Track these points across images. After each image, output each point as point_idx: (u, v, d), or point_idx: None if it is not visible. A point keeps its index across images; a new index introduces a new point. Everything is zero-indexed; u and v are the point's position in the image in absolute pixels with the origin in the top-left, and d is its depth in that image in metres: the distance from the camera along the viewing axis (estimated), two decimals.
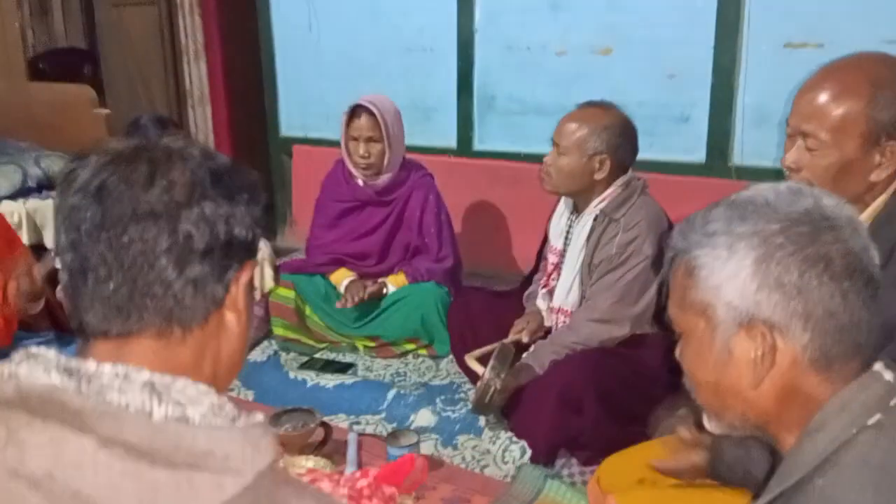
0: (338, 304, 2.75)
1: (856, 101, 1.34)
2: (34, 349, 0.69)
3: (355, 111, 2.74)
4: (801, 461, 0.83)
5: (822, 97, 1.38)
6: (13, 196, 3.10)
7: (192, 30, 3.90)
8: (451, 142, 3.58)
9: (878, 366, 0.87)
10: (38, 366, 0.66)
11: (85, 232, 0.69)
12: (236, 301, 0.75)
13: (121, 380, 0.66)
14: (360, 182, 2.86)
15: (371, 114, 2.70)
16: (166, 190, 0.69)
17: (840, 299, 0.82)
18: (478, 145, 3.54)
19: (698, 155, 3.12)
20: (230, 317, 0.75)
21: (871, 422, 0.82)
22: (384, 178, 2.83)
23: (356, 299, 2.69)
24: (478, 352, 2.26)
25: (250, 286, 0.77)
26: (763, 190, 0.90)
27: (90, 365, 0.67)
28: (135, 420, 0.63)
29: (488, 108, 3.48)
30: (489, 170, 3.47)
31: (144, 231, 0.68)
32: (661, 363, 2.19)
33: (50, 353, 0.68)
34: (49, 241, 3.15)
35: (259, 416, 0.70)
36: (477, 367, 2.19)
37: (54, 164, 3.38)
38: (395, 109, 2.79)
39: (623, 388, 2.09)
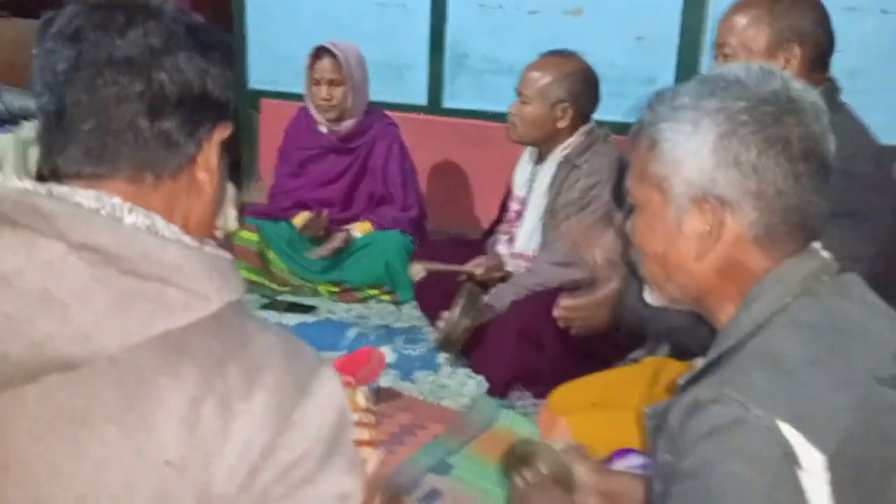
0: (310, 254, 2.76)
1: (757, 12, 1.57)
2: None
3: (318, 53, 2.76)
4: (738, 328, 0.86)
5: (735, 18, 1.60)
6: None
7: None
8: (422, 99, 3.59)
9: (816, 244, 0.91)
10: (13, 176, 0.67)
11: (61, 73, 0.69)
12: (208, 160, 0.75)
13: (93, 197, 0.67)
14: (324, 129, 2.86)
15: (333, 56, 2.72)
16: (142, 37, 0.69)
17: (793, 181, 0.84)
18: (447, 103, 3.55)
19: None
20: (202, 176, 0.75)
21: (802, 290, 0.86)
22: (347, 124, 2.84)
23: (315, 234, 2.71)
24: (428, 264, 2.32)
25: (223, 149, 0.77)
26: (735, 68, 0.91)
27: (64, 187, 0.67)
28: (105, 223, 0.64)
29: (459, 66, 3.50)
30: (458, 128, 3.49)
31: (119, 75, 0.68)
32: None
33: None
34: (9, 176, 3.10)
35: (227, 254, 0.72)
36: (418, 271, 2.34)
37: (15, 100, 3.33)
38: (358, 53, 2.81)
39: None
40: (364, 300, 2.79)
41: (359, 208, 2.94)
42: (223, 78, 0.75)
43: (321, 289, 2.82)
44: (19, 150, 3.12)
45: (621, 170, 2.28)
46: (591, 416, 1.69)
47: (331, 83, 2.74)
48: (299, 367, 0.68)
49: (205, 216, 0.77)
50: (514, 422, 1.98)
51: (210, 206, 0.77)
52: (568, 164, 2.26)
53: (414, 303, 2.71)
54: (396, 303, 2.77)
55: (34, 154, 3.18)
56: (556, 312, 1.80)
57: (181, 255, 0.66)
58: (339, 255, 2.81)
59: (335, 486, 0.67)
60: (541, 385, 2.10)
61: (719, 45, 1.62)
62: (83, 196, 0.66)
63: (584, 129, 2.29)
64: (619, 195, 2.24)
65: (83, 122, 0.69)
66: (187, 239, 0.69)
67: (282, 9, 3.84)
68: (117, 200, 0.67)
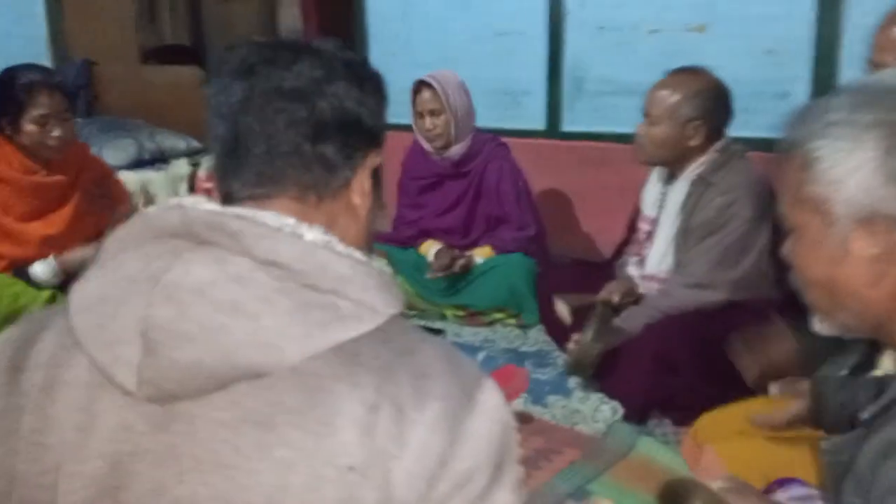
0: (428, 275, 2.81)
1: None
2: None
3: (418, 86, 2.85)
4: None
5: None
6: (129, 167, 3.33)
7: (291, 22, 4.07)
8: (540, 124, 3.59)
9: None
10: (200, 199, 0.73)
11: (235, 104, 0.76)
12: (362, 185, 0.79)
13: (272, 217, 0.71)
14: (437, 157, 2.92)
15: (431, 87, 2.81)
16: (306, 70, 0.76)
17: None
18: (566, 127, 3.53)
19: None
20: (356, 199, 0.79)
21: None
22: (456, 150, 2.88)
23: (445, 269, 2.75)
24: (569, 298, 2.27)
25: (375, 176, 0.82)
26: (887, 76, 0.87)
27: (246, 209, 0.72)
28: (287, 240, 0.68)
29: (578, 89, 3.48)
30: (577, 151, 3.46)
31: (286, 103, 0.75)
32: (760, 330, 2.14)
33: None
34: None
35: (386, 269, 0.75)
36: (563, 312, 2.25)
37: (166, 140, 3.61)
38: (457, 81, 2.86)
39: (720, 350, 2.05)
40: (490, 324, 2.79)
41: (478, 232, 2.97)
42: (376, 108, 0.80)
43: (447, 312, 2.85)
44: (169, 185, 3.38)
45: (760, 187, 2.19)
46: (741, 444, 1.60)
47: (432, 113, 2.83)
48: (464, 377, 0.69)
49: (359, 239, 0.80)
50: (654, 449, 1.91)
51: (364, 229, 0.81)
52: (702, 183, 2.19)
53: (540, 326, 2.69)
54: (522, 326, 2.76)
55: (183, 189, 3.42)
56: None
57: (353, 268, 0.69)
58: (462, 278, 2.83)
59: (505, 502, 0.67)
60: (679, 411, 2.03)
61: (875, 63, 1.51)
62: (265, 216, 0.70)
63: (717, 145, 2.21)
64: (760, 215, 2.15)
65: (255, 147, 0.75)
66: (358, 254, 0.72)
67: (401, 44, 3.96)
68: (292, 220, 0.71)
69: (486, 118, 3.64)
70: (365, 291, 0.68)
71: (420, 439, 0.64)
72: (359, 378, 0.65)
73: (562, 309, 2.25)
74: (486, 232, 2.96)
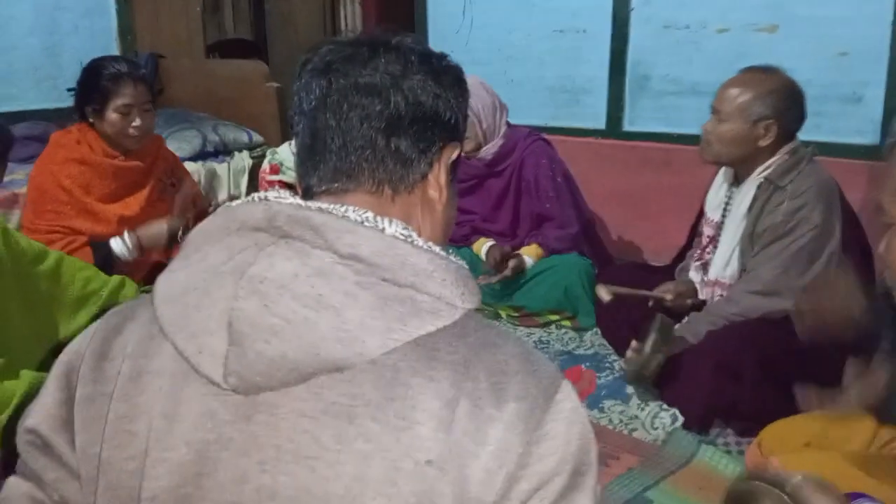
0: (480, 280, 2.78)
1: None
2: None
3: None
4: None
5: None
6: (194, 158, 3.40)
7: (352, 17, 4.10)
8: (600, 123, 3.54)
9: None
10: (284, 193, 0.73)
11: (314, 101, 0.77)
12: (438, 178, 0.79)
13: (352, 209, 0.71)
14: (468, 159, 2.88)
15: None
16: (383, 66, 0.76)
17: None
18: (628, 126, 3.48)
19: (871, 137, 2.92)
20: (432, 193, 0.79)
21: None
22: (488, 149, 2.82)
23: (497, 267, 2.72)
24: (613, 287, 2.24)
25: (452, 169, 0.81)
26: None
27: (328, 203, 0.72)
28: (370, 234, 0.68)
29: (641, 88, 3.42)
30: (639, 151, 3.41)
31: (362, 100, 0.75)
32: (828, 340, 2.06)
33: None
34: (223, 200, 3.43)
35: (464, 263, 0.74)
36: (604, 295, 2.20)
37: (230, 132, 3.67)
38: (476, 82, 2.77)
39: (786, 359, 1.98)
40: (544, 325, 2.76)
41: (525, 231, 2.92)
42: (453, 101, 0.79)
43: (502, 312, 2.83)
44: (231, 177, 3.44)
45: (831, 192, 2.11)
46: (808, 457, 1.55)
47: None
48: (543, 377, 0.68)
49: (436, 232, 0.80)
50: (716, 458, 1.86)
51: (440, 222, 0.81)
52: (770, 186, 2.12)
53: (595, 329, 2.65)
54: (577, 329, 2.72)
55: (244, 181, 3.48)
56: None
57: (433, 263, 0.68)
58: (516, 280, 2.81)
59: None
60: (743, 421, 1.98)
61: None
62: (346, 211, 0.70)
63: (787, 147, 2.14)
64: (831, 221, 2.07)
65: (331, 143, 0.76)
66: (437, 248, 0.71)
67: (459, 38, 3.95)
68: (371, 214, 0.70)
69: (545, 116, 3.63)
70: (443, 286, 0.68)
71: (498, 438, 0.63)
72: (436, 372, 0.64)
73: (603, 292, 2.21)
74: (532, 230, 2.91)
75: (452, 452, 0.62)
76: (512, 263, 2.75)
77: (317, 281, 0.65)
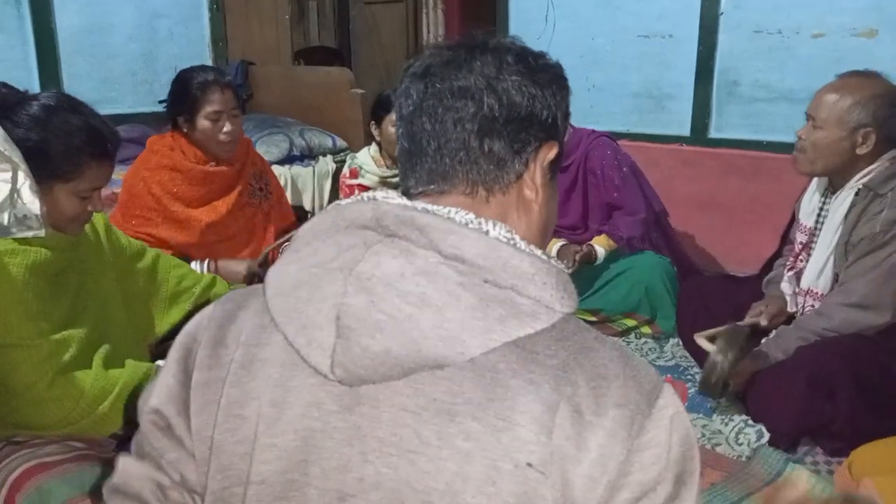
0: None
1: None
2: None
3: None
4: None
5: None
6: (281, 162, 3.51)
7: (434, 24, 4.14)
8: (685, 130, 3.46)
9: None
10: (392, 193, 0.76)
11: (412, 104, 0.78)
12: (534, 177, 0.79)
13: (453, 210, 0.72)
14: None
15: None
16: (479, 68, 0.76)
17: None
18: (714, 133, 3.39)
19: None
20: (528, 193, 0.79)
21: None
22: None
23: (570, 267, 2.67)
24: (710, 331, 2.15)
25: (551, 169, 0.81)
26: None
27: (435, 205, 0.74)
28: (474, 236, 0.69)
29: (729, 94, 3.33)
30: (726, 159, 3.31)
31: (456, 103, 0.76)
32: None
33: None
34: (307, 203, 3.51)
35: (564, 267, 0.74)
36: (707, 346, 2.08)
37: (315, 137, 3.77)
38: None
39: (881, 378, 1.89)
40: (622, 333, 2.69)
41: (597, 224, 2.87)
42: (550, 99, 0.78)
43: (579, 317, 2.80)
44: (316, 180, 3.53)
45: None
46: None
47: None
48: (643, 382, 0.68)
49: (532, 233, 0.80)
50: (804, 478, 1.79)
51: (538, 223, 0.80)
52: (869, 193, 2.02)
53: (676, 340, 2.59)
54: (657, 337, 2.66)
55: (328, 185, 3.57)
56: None
57: (534, 266, 0.69)
58: (595, 280, 2.76)
59: None
60: (834, 441, 1.89)
61: None
62: (451, 212, 0.71)
63: (888, 155, 2.04)
64: None
65: (427, 145, 0.77)
66: (538, 251, 0.71)
67: (542, 43, 3.92)
68: (472, 216, 0.71)
69: (628, 122, 3.58)
70: (543, 289, 0.68)
71: (600, 444, 0.64)
72: (535, 375, 0.65)
73: (704, 344, 2.11)
74: (603, 221, 2.87)
75: (554, 457, 0.63)
76: (579, 254, 2.67)
77: (421, 280, 0.67)
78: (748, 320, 2.20)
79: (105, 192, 1.59)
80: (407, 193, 0.79)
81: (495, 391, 0.64)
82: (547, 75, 0.79)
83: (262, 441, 0.70)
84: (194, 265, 2.24)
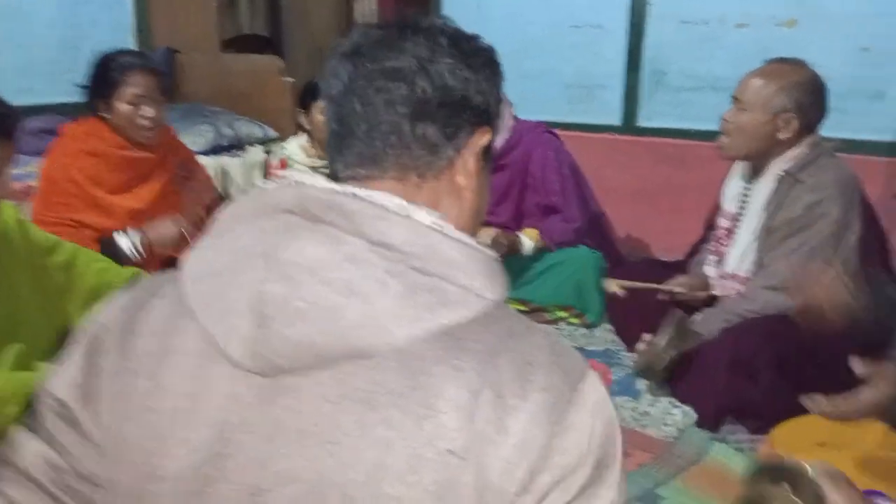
0: None
1: None
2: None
3: None
4: None
5: None
6: (207, 153, 3.40)
7: (368, 10, 4.09)
8: (616, 119, 3.51)
9: None
10: (317, 177, 0.73)
11: (342, 85, 0.75)
12: (467, 163, 0.77)
13: (382, 195, 0.70)
14: None
15: None
16: (410, 49, 0.74)
17: None
18: (643, 122, 3.45)
19: (892, 134, 2.87)
20: (461, 180, 0.77)
21: None
22: (495, 143, 2.76)
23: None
24: (623, 282, 2.20)
25: (484, 156, 0.80)
26: None
27: (362, 189, 0.71)
28: (403, 223, 0.68)
29: (658, 84, 3.39)
30: (654, 147, 3.38)
31: (387, 85, 0.73)
32: (846, 339, 2.03)
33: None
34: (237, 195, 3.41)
35: (493, 254, 0.73)
36: (615, 287, 2.10)
37: (244, 127, 3.67)
38: None
39: (802, 358, 1.95)
40: (553, 321, 2.73)
41: (531, 222, 2.86)
42: (484, 84, 0.77)
43: (511, 306, 2.81)
44: (245, 171, 3.44)
45: (850, 187, 2.08)
46: (821, 457, 1.51)
47: None
48: (568, 368, 0.67)
49: (464, 220, 0.78)
50: (728, 456, 1.83)
51: (470, 210, 0.79)
52: (790, 179, 2.08)
53: (606, 325, 2.63)
54: (587, 326, 2.70)
55: (258, 175, 3.48)
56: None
57: (464, 253, 0.68)
58: (525, 272, 2.77)
59: (608, 499, 0.66)
60: (756, 419, 1.95)
61: None
62: (380, 197, 0.69)
63: (808, 140, 2.10)
64: (850, 216, 2.04)
65: (356, 128, 0.75)
66: (468, 238, 0.70)
67: (472, 31, 3.93)
68: (402, 202, 0.70)
69: (560, 112, 3.60)
70: (472, 277, 0.67)
71: (521, 428, 0.63)
72: (461, 362, 0.64)
73: (610, 284, 2.17)
74: (539, 222, 2.85)
75: (475, 442, 0.62)
76: (504, 241, 2.67)
77: (347, 267, 0.65)
78: (667, 285, 2.25)
79: (19, 185, 1.52)
80: (335, 177, 0.77)
81: (419, 379, 0.63)
82: (480, 59, 0.77)
83: (174, 436, 0.68)
84: (122, 242, 2.16)
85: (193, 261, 0.73)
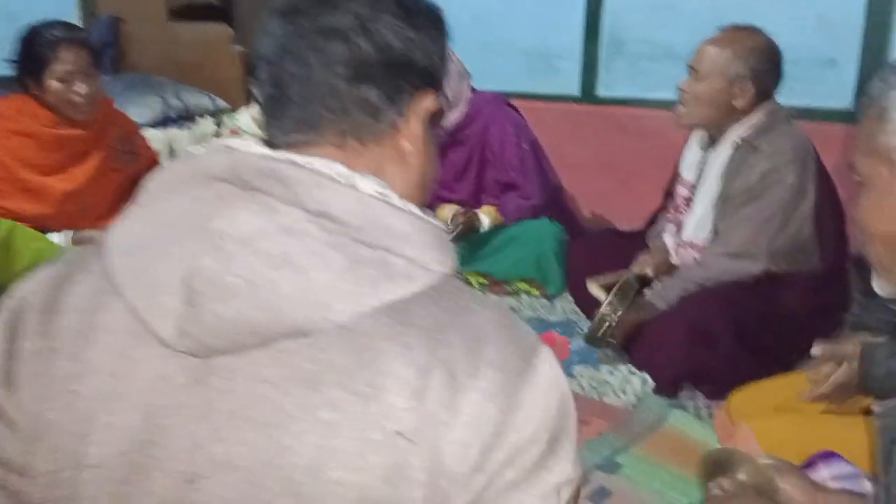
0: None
1: None
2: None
3: None
4: None
5: None
6: (154, 125, 3.30)
7: None
8: (575, 89, 3.48)
9: None
10: (251, 141, 0.68)
11: (277, 46, 0.71)
12: (411, 128, 0.73)
13: (321, 162, 0.66)
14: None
15: None
16: (349, 7, 0.70)
17: None
18: (602, 92, 3.42)
19: (845, 101, 2.90)
20: (406, 145, 0.73)
21: None
22: (450, 117, 2.69)
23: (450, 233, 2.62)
24: (601, 279, 2.18)
25: (431, 120, 0.75)
26: None
27: (300, 155, 0.67)
28: (343, 191, 0.63)
29: (616, 52, 3.36)
30: (614, 118, 3.35)
31: (325, 44, 0.69)
32: (801, 304, 2.05)
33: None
34: None
35: (442, 224, 0.69)
36: (599, 294, 2.11)
37: (192, 98, 3.56)
38: None
39: (759, 324, 1.97)
40: (514, 294, 2.71)
41: (490, 200, 2.83)
42: (429, 44, 0.73)
43: (472, 280, 2.79)
44: (195, 144, 3.33)
45: (806, 154, 2.08)
46: (777, 421, 1.53)
47: None
48: (521, 343, 0.65)
49: (410, 189, 0.74)
50: (686, 423, 1.84)
51: (416, 178, 0.75)
52: (746, 146, 2.07)
53: (566, 296, 2.62)
54: (547, 297, 2.68)
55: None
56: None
57: (410, 224, 0.64)
58: (485, 245, 2.74)
59: (562, 473, 0.63)
60: (713, 385, 1.96)
61: None
62: (319, 164, 0.65)
63: (764, 108, 2.10)
64: (805, 182, 2.05)
65: (292, 91, 0.70)
66: (414, 208, 0.66)
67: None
68: (345, 169, 0.65)
69: (519, 82, 3.56)
70: (419, 249, 0.63)
71: (473, 407, 0.60)
72: (409, 339, 0.61)
73: (596, 292, 2.15)
74: (497, 199, 2.83)
75: (425, 423, 0.59)
76: (461, 219, 2.64)
77: (283, 238, 0.61)
78: (634, 271, 2.24)
79: None
80: (272, 144, 0.72)
81: (365, 357, 0.60)
82: (425, 18, 0.73)
83: (99, 420, 0.63)
84: (54, 237, 2.07)
85: (119, 232, 0.68)
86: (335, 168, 0.65)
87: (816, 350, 1.45)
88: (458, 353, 0.61)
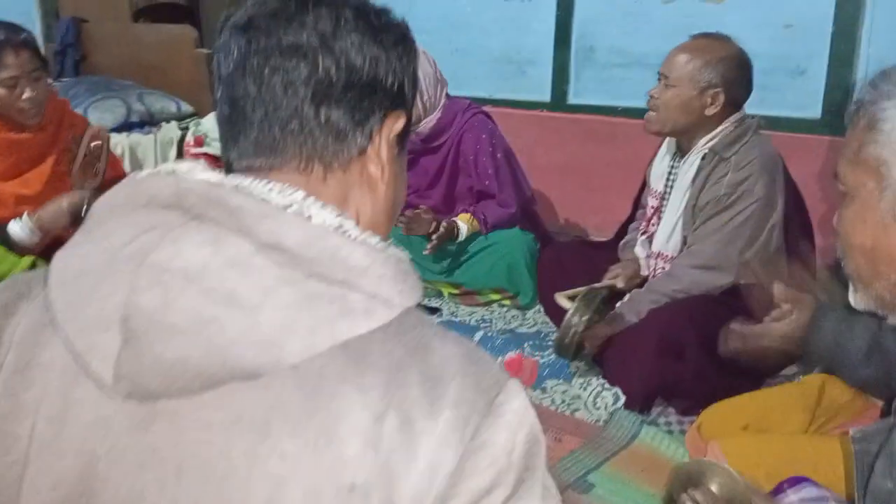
0: (424, 252, 2.67)
1: None
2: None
3: None
4: None
5: None
6: (117, 129, 3.21)
7: None
8: (545, 96, 3.47)
9: None
10: (197, 166, 0.63)
11: (233, 63, 0.66)
12: (379, 152, 0.69)
13: (277, 189, 0.61)
14: None
15: None
16: (311, 22, 0.66)
17: None
18: (573, 99, 3.41)
19: (813, 111, 2.92)
20: (373, 170, 0.69)
21: None
22: (425, 124, 2.66)
23: (427, 233, 2.59)
24: (570, 291, 2.16)
25: (399, 143, 0.71)
26: None
27: (250, 181, 0.62)
28: (294, 223, 0.59)
29: (586, 60, 3.35)
30: (584, 125, 3.35)
31: (286, 63, 0.65)
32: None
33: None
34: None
35: (406, 254, 0.65)
36: (566, 305, 2.09)
37: (156, 102, 3.48)
38: (420, 52, 2.62)
39: None
40: (486, 304, 2.69)
41: (463, 206, 2.79)
42: (395, 63, 0.69)
43: (444, 290, 2.76)
44: (159, 149, 3.26)
45: (775, 165, 2.08)
46: (747, 440, 1.53)
47: None
48: (483, 379, 0.60)
49: (378, 215, 0.70)
50: (658, 439, 1.83)
51: (384, 203, 0.71)
52: (714, 157, 2.07)
53: (539, 307, 2.60)
54: (519, 308, 2.66)
55: (172, 154, 3.31)
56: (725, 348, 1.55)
57: (369, 256, 0.59)
58: (458, 255, 2.72)
59: None
60: (685, 400, 1.95)
61: None
62: (270, 191, 0.61)
63: (733, 118, 2.09)
64: (774, 194, 2.05)
65: (251, 112, 0.66)
66: (374, 239, 0.62)
67: (401, 5, 3.78)
68: (301, 196, 0.61)
69: (490, 88, 3.54)
70: (380, 283, 0.59)
71: (430, 453, 0.56)
72: (365, 380, 0.56)
73: (563, 302, 2.12)
74: (471, 206, 2.78)
75: (379, 474, 0.55)
76: (440, 232, 2.59)
77: (230, 274, 0.56)
78: (605, 282, 2.22)
79: None
80: (230, 168, 0.68)
81: (319, 401, 0.55)
82: (392, 35, 0.69)
83: (35, 465, 0.58)
84: (13, 226, 2.00)
85: (61, 260, 0.63)
86: (293, 196, 0.61)
87: (777, 289, 1.44)
88: (416, 393, 0.57)
